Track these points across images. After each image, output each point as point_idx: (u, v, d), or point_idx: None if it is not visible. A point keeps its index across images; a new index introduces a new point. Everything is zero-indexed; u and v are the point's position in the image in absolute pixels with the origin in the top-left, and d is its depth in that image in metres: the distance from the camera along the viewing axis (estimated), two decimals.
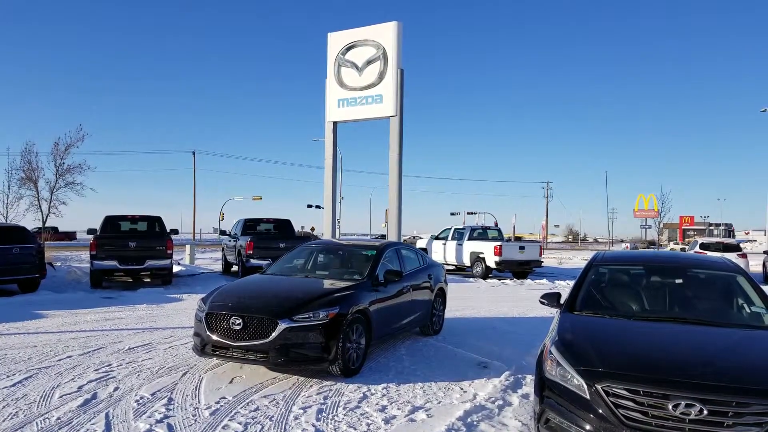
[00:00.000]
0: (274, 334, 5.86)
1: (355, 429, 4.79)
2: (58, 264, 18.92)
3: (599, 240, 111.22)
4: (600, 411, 3.69)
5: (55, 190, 23.55)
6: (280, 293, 6.65)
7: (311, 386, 5.97)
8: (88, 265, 15.61)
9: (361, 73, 19.00)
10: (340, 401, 5.50)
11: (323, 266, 8.10)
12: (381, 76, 18.58)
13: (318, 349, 5.98)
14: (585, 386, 3.81)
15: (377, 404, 5.44)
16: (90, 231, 16.37)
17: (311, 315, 6.00)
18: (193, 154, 63.07)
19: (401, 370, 6.75)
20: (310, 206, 52.20)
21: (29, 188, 23.33)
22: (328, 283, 7.05)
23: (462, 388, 6.06)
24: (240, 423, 4.84)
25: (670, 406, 3.53)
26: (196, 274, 19.67)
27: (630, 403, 3.64)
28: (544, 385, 4.15)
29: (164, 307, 11.82)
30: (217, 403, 5.35)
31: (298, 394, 5.69)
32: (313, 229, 48.35)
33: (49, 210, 23.47)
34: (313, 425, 4.85)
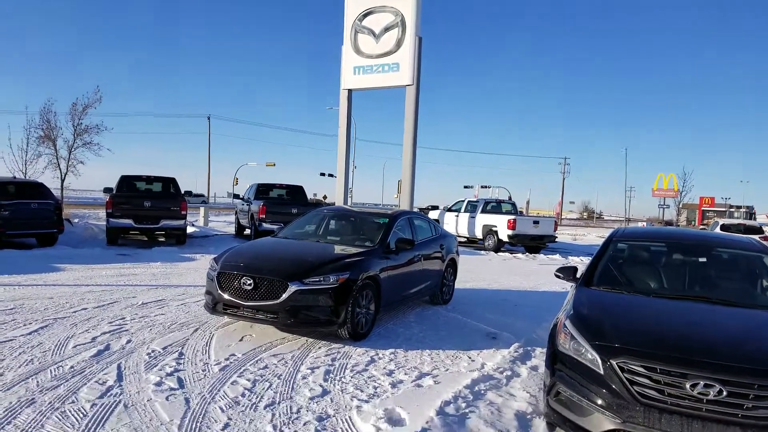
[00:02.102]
0: (284, 296, 5.90)
1: (361, 391, 4.84)
2: (76, 220, 19.17)
3: (615, 218, 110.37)
4: (613, 387, 3.67)
5: (73, 149, 23.84)
6: (292, 256, 6.68)
7: (320, 348, 6.04)
8: (105, 222, 15.79)
9: (378, 40, 18.68)
10: (347, 363, 5.56)
11: (335, 232, 8.11)
12: (398, 44, 18.25)
13: (327, 312, 6.03)
14: (599, 361, 3.78)
15: (384, 368, 5.49)
16: (106, 190, 16.53)
17: (321, 279, 6.03)
18: (208, 118, 62.92)
19: (409, 336, 6.80)
20: (323, 174, 52.16)
21: (48, 147, 23.59)
22: (339, 249, 7.07)
23: (470, 357, 6.10)
24: (248, 380, 4.92)
25: (687, 386, 3.48)
26: (210, 236, 19.85)
27: (645, 381, 3.60)
28: (556, 359, 4.14)
29: (178, 266, 11.97)
30: (227, 359, 5.43)
31: (307, 355, 5.75)
32: (325, 197, 48.45)
33: (67, 168, 23.77)
34: (321, 385, 4.91)
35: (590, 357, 3.87)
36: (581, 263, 17.92)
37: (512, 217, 19.52)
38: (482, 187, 47.95)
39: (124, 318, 6.85)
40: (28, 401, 4.11)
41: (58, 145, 23.37)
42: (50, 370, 4.80)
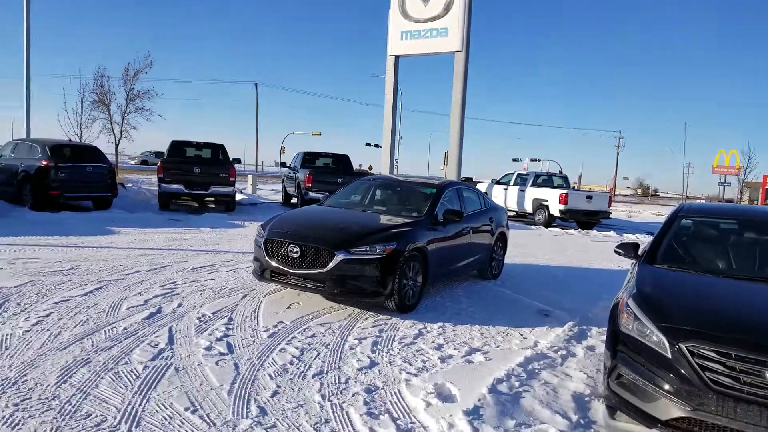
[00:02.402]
0: (330, 265, 5.83)
1: (410, 364, 4.75)
2: (130, 185, 19.68)
3: (672, 195, 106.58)
4: (682, 372, 3.45)
5: (126, 114, 24.36)
6: (338, 225, 6.60)
7: (367, 318, 5.97)
8: (156, 187, 16.12)
9: (426, 3, 18.06)
10: (395, 335, 5.47)
11: (381, 202, 7.97)
12: (447, 8, 17.58)
13: (374, 282, 5.93)
14: (666, 344, 3.56)
15: (433, 342, 5.37)
16: (157, 154, 16.83)
17: (368, 249, 5.92)
18: (256, 85, 63.56)
19: (458, 311, 6.65)
20: (368, 144, 52.06)
21: (102, 111, 24.17)
22: (385, 219, 6.93)
23: (522, 335, 5.92)
24: (296, 347, 4.89)
25: (767, 374, 3.25)
26: (258, 203, 20.08)
27: (719, 367, 3.36)
28: (617, 339, 3.93)
29: (227, 232, 12.12)
30: (275, 326, 5.42)
31: (354, 325, 5.69)
32: (370, 167, 48.31)
33: (121, 133, 24.36)
34: (368, 356, 4.84)
35: (656, 339, 3.64)
36: (636, 241, 17.32)
37: (564, 191, 18.96)
38: (532, 160, 46.91)
39: (175, 282, 6.94)
40: (83, 361, 4.18)
41: (111, 109, 23.92)
42: (104, 331, 4.88)
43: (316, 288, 5.98)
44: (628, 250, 5.08)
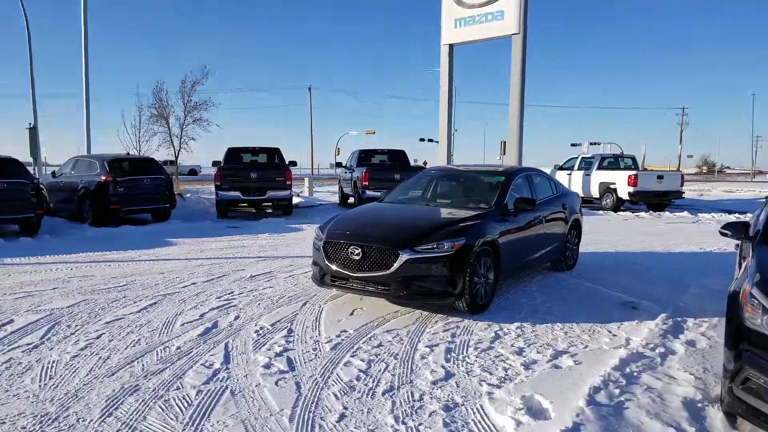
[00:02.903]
0: (395, 266, 5.35)
1: (490, 374, 4.21)
2: (188, 195, 19.87)
3: (739, 171, 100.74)
4: None
5: (184, 126, 24.82)
6: (401, 222, 6.12)
7: (436, 322, 5.46)
8: (214, 196, 16.11)
9: None
10: (470, 340, 4.93)
11: (444, 194, 7.44)
12: None
13: (443, 282, 5.42)
14: None
15: (512, 346, 4.81)
16: (214, 163, 16.83)
17: (435, 246, 5.41)
18: (309, 89, 64.02)
19: (534, 308, 6.05)
20: (422, 140, 51.36)
21: (161, 125, 24.73)
22: (451, 212, 6.40)
23: (610, 331, 5.26)
24: (363, 360, 4.43)
25: None
26: (315, 206, 19.89)
27: None
28: (741, 337, 3.27)
29: (285, 237, 11.87)
30: (338, 336, 4.99)
31: (423, 330, 5.19)
32: (425, 162, 47.54)
33: (180, 145, 24.82)
34: (443, 366, 4.33)
35: None
36: (713, 220, 16.10)
37: (633, 172, 17.83)
38: (591, 144, 45.11)
39: (232, 292, 6.64)
40: (132, 388, 3.85)
41: (170, 122, 24.42)
42: (156, 352, 4.57)
43: (380, 292, 5.52)
44: (737, 230, 4.38)
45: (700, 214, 17.36)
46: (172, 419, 3.41)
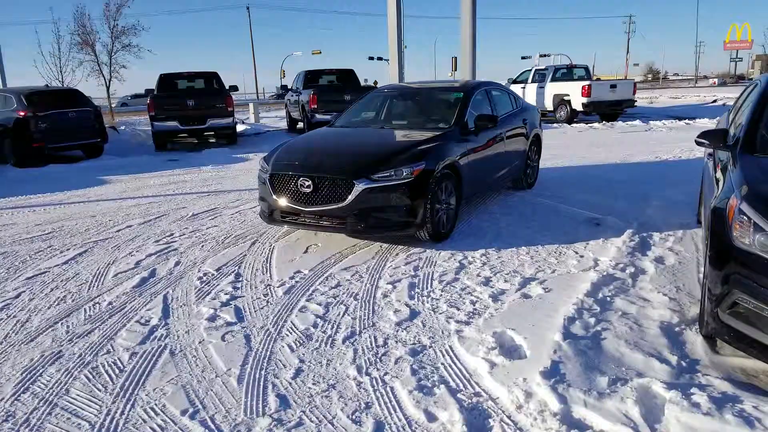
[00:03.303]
0: (350, 197, 4.88)
1: (457, 309, 3.88)
2: (122, 128, 18.57)
3: (682, 77, 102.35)
4: None
5: (113, 53, 23.07)
6: (354, 149, 5.61)
7: (397, 255, 5.09)
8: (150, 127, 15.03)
9: None
10: (433, 273, 4.59)
11: (400, 115, 6.89)
12: None
13: (403, 212, 5.00)
14: None
15: (478, 275, 4.49)
16: (147, 91, 15.62)
17: (393, 173, 4.95)
18: (248, 9, 60.36)
19: (498, 232, 5.74)
20: (371, 58, 49.87)
21: (87, 53, 22.90)
22: (408, 135, 5.90)
23: (577, 252, 5.01)
24: (320, 303, 4.04)
25: None
26: (261, 132, 18.98)
27: None
28: (728, 258, 2.99)
29: (230, 168, 11.17)
30: (292, 278, 4.56)
31: (384, 266, 4.81)
32: (375, 82, 46.25)
33: (110, 74, 23.14)
34: (407, 304, 3.98)
35: None
36: (664, 127, 16.14)
37: (586, 83, 17.51)
38: (541, 56, 44.63)
39: (172, 234, 6.07)
40: (54, 355, 3.35)
41: (97, 50, 22.65)
42: (84, 310, 4.05)
43: (335, 226, 5.07)
44: (714, 138, 4.03)
45: (651, 122, 17.36)
46: (99, 390, 2.95)
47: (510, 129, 6.88)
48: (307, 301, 4.09)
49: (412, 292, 4.18)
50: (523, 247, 5.18)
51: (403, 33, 19.32)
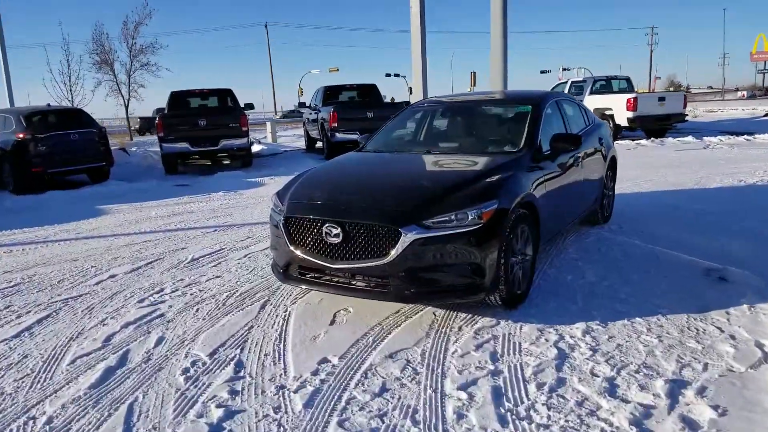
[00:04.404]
0: (395, 252, 3.48)
1: None
2: (133, 149, 17.48)
3: (706, 91, 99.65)
4: None
5: (131, 72, 22.32)
6: (397, 182, 4.23)
7: (460, 330, 3.66)
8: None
9: None
10: (523, 367, 3.14)
11: (448, 136, 5.50)
12: None
13: (468, 271, 3.58)
14: None
15: (593, 374, 3.03)
16: (157, 111, 14.51)
17: (454, 217, 3.54)
18: (266, 26, 59.96)
19: (590, 290, 4.28)
20: (389, 75, 49.13)
21: (105, 72, 22.19)
22: (465, 162, 4.51)
23: (721, 329, 3.53)
24: (360, 426, 2.62)
25: None
26: (279, 153, 17.74)
27: None
28: None
29: (243, 195, 9.88)
30: (315, 374, 3.15)
31: (445, 351, 3.38)
32: (393, 99, 45.06)
33: (129, 94, 22.36)
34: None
35: None
36: (720, 144, 14.54)
37: (632, 95, 16.00)
38: (563, 69, 43.28)
39: (162, 290, 4.72)
40: None
41: (116, 69, 21.94)
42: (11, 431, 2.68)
43: (373, 291, 3.67)
44: None
45: (705, 138, 15.74)
46: None
47: (587, 151, 5.44)
48: (340, 425, 2.66)
49: (501, 410, 2.73)
50: (637, 318, 3.71)
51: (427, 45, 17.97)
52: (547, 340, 3.43)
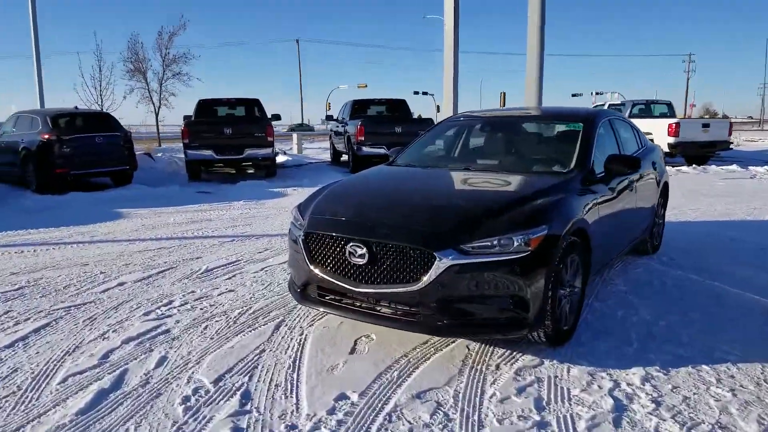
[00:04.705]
0: (427, 278, 3.06)
1: None
2: (159, 154, 17.37)
3: (742, 120, 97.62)
4: None
5: (163, 81, 22.49)
6: (432, 201, 3.81)
7: (498, 369, 3.21)
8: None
9: None
10: (573, 416, 2.68)
11: (487, 153, 5.06)
12: None
13: (510, 303, 3.14)
14: None
15: (658, 431, 2.56)
16: (185, 118, 14.39)
17: (497, 243, 3.11)
18: (297, 42, 60.53)
19: (646, 329, 3.79)
20: (416, 93, 48.92)
21: (139, 80, 22.40)
22: (509, 182, 4.07)
23: None
24: None
25: None
26: (304, 164, 17.48)
27: None
28: None
29: (264, 205, 9.56)
30: (332, 413, 2.73)
31: (482, 394, 2.93)
32: (420, 116, 44.79)
33: (160, 102, 22.50)
34: None
35: None
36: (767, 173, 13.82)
37: (674, 120, 15.38)
38: (596, 93, 42.62)
39: (171, 302, 4.37)
40: None
41: (148, 77, 22.12)
42: None
43: (401, 319, 3.24)
44: None
45: (751, 168, 15.00)
46: None
47: (641, 175, 4.96)
48: None
49: None
50: (703, 366, 3.22)
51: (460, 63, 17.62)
52: (600, 387, 2.97)
